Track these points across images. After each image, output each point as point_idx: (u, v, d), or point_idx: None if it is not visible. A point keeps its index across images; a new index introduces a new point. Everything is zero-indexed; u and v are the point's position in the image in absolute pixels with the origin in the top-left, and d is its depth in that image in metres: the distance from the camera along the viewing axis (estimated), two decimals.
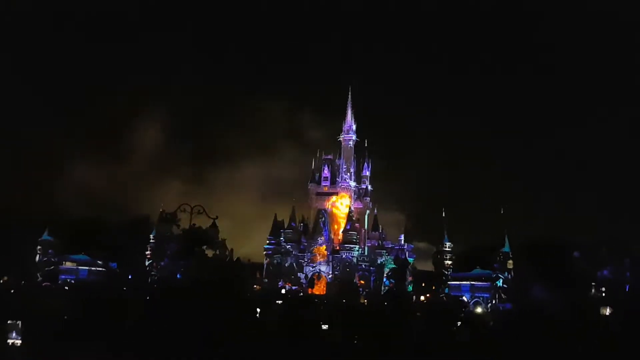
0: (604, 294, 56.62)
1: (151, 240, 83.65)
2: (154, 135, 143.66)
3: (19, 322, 37.16)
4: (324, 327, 46.71)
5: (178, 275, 66.40)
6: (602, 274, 59.00)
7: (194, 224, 44.50)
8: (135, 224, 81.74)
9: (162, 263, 75.35)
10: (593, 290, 57.21)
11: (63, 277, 70.29)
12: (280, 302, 64.34)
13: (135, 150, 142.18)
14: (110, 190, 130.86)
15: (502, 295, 76.02)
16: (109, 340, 31.07)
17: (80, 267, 74.91)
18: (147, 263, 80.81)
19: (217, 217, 39.78)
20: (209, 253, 78.96)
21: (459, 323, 49.10)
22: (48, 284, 62.58)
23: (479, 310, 74.84)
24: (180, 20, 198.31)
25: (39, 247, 78.01)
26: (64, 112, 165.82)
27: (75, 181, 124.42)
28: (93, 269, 73.92)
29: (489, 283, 79.47)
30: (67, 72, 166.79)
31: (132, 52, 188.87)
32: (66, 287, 60.59)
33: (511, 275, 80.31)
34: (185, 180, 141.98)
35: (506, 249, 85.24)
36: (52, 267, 71.07)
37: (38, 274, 67.15)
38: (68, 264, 75.79)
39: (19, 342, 36.82)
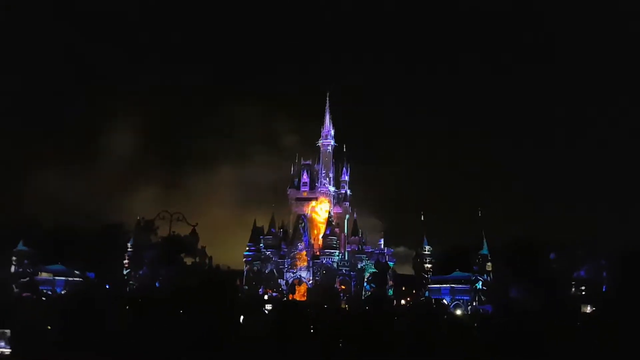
0: (583, 292, 57.70)
1: (129, 249, 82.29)
2: (127, 140, 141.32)
3: (8, 331, 36.21)
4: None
5: (157, 284, 65.58)
6: (578, 274, 60.13)
7: (174, 232, 44.06)
8: (112, 232, 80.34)
9: (141, 272, 74.32)
10: (573, 290, 58.25)
11: (40, 287, 68.56)
12: (269, 307, 64.03)
13: (109, 156, 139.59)
14: (84, 198, 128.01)
15: (482, 297, 76.82)
16: (96, 350, 30.60)
17: (57, 278, 73.20)
18: (125, 272, 79.47)
19: (196, 225, 39.39)
20: (188, 261, 78.38)
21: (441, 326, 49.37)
22: (28, 294, 60.96)
23: (458, 312, 75.57)
24: (156, 23, 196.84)
25: (13, 258, 75.93)
26: (33, 117, 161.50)
27: (47, 189, 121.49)
28: (70, 279, 72.30)
29: (468, 285, 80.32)
30: (36, 75, 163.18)
31: (106, 55, 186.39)
32: (43, 298, 59.13)
33: (490, 277, 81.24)
34: (161, 186, 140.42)
35: (484, 251, 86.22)
36: (28, 278, 69.22)
37: (13, 285, 65.29)
38: (44, 275, 74.02)
39: (7, 351, 36.02)
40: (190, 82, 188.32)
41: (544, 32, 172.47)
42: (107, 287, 62.71)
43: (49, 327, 38.07)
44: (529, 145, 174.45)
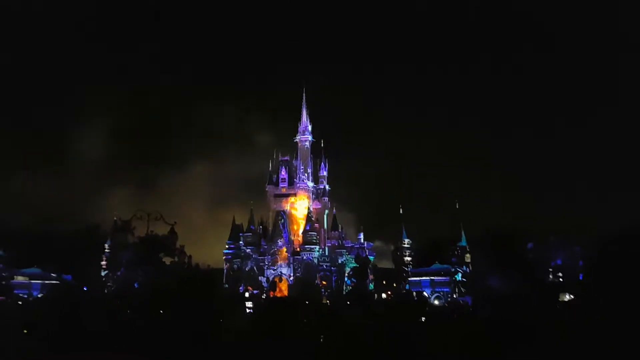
0: (561, 280, 58.84)
1: (106, 250, 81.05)
2: (99, 140, 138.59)
3: None
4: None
5: (136, 285, 64.64)
6: (555, 263, 61.23)
7: (151, 231, 43.40)
8: (88, 233, 78.92)
9: (119, 273, 73.13)
10: (551, 277, 59.33)
11: (16, 291, 67.14)
12: (249, 304, 63.71)
13: (81, 157, 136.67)
14: (57, 200, 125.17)
15: (462, 288, 77.84)
16: (76, 351, 30.06)
17: (33, 281, 71.72)
18: (102, 273, 78.23)
19: (175, 223, 38.89)
20: (167, 260, 77.40)
21: (423, 318, 49.88)
22: (3, 298, 59.65)
23: (437, 303, 76.52)
24: (129, 23, 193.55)
25: None
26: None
27: (18, 191, 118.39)
28: (47, 282, 70.90)
29: (448, 277, 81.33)
30: (4, 74, 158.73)
31: (77, 54, 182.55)
32: (19, 302, 57.87)
33: (469, 269, 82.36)
34: (136, 187, 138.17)
35: (463, 242, 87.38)
36: (3, 282, 67.67)
37: None
38: (20, 278, 72.45)
39: None
40: (164, 81, 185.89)
41: (537, 31, 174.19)
42: (85, 289, 61.65)
43: (25, 331, 37.18)
44: (506, 136, 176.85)
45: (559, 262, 60.02)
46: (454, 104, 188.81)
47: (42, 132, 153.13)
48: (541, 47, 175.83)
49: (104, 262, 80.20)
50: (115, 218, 76.94)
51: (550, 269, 59.30)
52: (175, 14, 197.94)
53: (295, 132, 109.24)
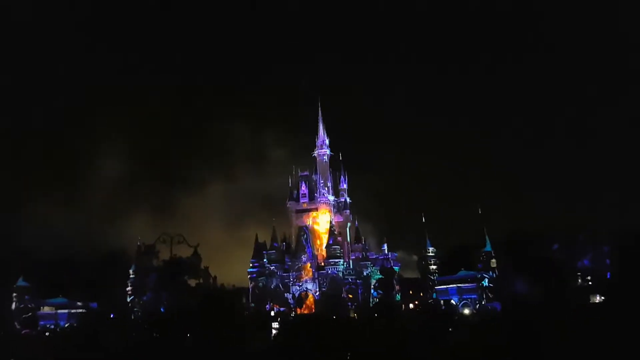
0: (589, 283, 57.26)
1: (131, 275, 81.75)
2: (115, 166, 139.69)
3: None
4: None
5: (162, 309, 65.03)
6: (582, 263, 59.74)
7: (175, 254, 43.64)
8: (111, 260, 79.77)
9: (145, 297, 73.74)
10: (580, 280, 57.80)
11: (42, 322, 67.99)
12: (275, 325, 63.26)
13: (99, 183, 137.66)
14: (78, 228, 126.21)
15: (489, 294, 76.30)
16: None
17: (59, 311, 72.54)
18: (128, 299, 78.90)
19: (198, 245, 39.04)
20: (192, 282, 77.73)
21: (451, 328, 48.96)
22: (27, 331, 60.30)
23: (466, 311, 75.03)
24: (143, 45, 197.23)
25: (14, 294, 75.31)
26: (14, 146, 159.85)
27: (40, 222, 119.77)
28: (72, 311, 71.63)
29: (474, 284, 79.80)
30: (16, 104, 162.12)
31: (90, 76, 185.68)
32: (47, 334, 58.56)
33: (495, 274, 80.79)
34: (155, 210, 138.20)
35: (487, 248, 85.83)
36: (30, 314, 68.58)
37: (15, 322, 64.63)
38: (46, 309, 73.32)
39: None
40: (177, 103, 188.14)
41: (541, 31, 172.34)
42: (112, 315, 62.15)
43: None
44: (526, 141, 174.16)
45: (586, 262, 58.50)
46: (469, 106, 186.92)
47: (55, 155, 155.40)
48: (542, 47, 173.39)
49: (129, 288, 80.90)
50: (139, 243, 78.20)
51: (579, 273, 57.76)
52: (193, 31, 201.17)
53: (312, 146, 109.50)
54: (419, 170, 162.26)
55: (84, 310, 69.73)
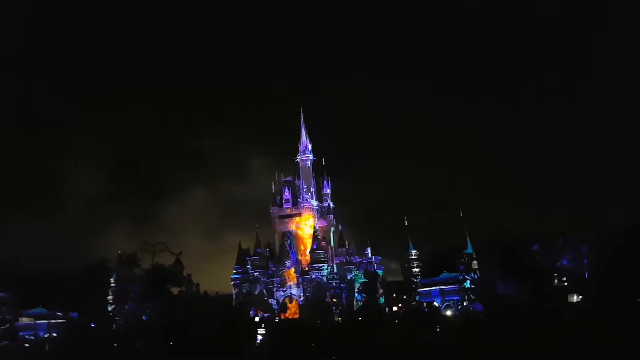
0: (565, 283, 58.31)
1: (112, 284, 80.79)
2: (95, 176, 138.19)
3: None
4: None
5: (144, 317, 64.46)
6: (561, 263, 60.78)
7: (157, 262, 43.47)
8: (91, 270, 78.82)
9: (127, 307, 72.95)
10: (556, 281, 58.82)
11: (22, 333, 66.79)
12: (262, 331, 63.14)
13: (79, 194, 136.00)
14: (57, 239, 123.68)
15: (471, 295, 77.11)
16: None
17: (38, 322, 71.35)
18: (110, 308, 77.97)
19: (180, 253, 38.95)
20: (175, 290, 77.11)
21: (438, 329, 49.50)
22: (6, 343, 59.26)
23: (448, 313, 75.76)
24: (126, 53, 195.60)
25: None
26: None
27: (17, 233, 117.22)
28: (52, 321, 70.53)
29: (457, 285, 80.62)
30: None
31: (70, 86, 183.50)
32: (26, 345, 57.69)
33: (477, 275, 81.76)
34: (136, 220, 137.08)
35: (469, 250, 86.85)
36: (8, 325, 67.40)
37: None
38: (25, 320, 72.04)
39: None
40: (156, 112, 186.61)
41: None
42: (92, 325, 61.45)
43: None
44: (503, 142, 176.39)
45: (564, 262, 59.58)
46: (457, 113, 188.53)
47: (34, 171, 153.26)
48: (543, 47, 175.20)
49: (110, 297, 79.92)
50: (120, 251, 77.42)
51: (555, 274, 58.80)
52: (171, 41, 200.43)
53: (295, 151, 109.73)
54: (402, 173, 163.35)
55: (64, 321, 68.77)
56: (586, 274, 55.29)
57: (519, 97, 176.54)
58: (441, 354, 39.64)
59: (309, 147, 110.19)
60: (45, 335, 64.48)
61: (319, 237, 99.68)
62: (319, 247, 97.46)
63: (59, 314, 70.66)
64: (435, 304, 77.75)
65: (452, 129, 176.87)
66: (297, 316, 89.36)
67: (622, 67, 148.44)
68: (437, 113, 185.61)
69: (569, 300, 53.22)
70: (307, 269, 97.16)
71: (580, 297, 52.63)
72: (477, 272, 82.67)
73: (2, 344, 58.41)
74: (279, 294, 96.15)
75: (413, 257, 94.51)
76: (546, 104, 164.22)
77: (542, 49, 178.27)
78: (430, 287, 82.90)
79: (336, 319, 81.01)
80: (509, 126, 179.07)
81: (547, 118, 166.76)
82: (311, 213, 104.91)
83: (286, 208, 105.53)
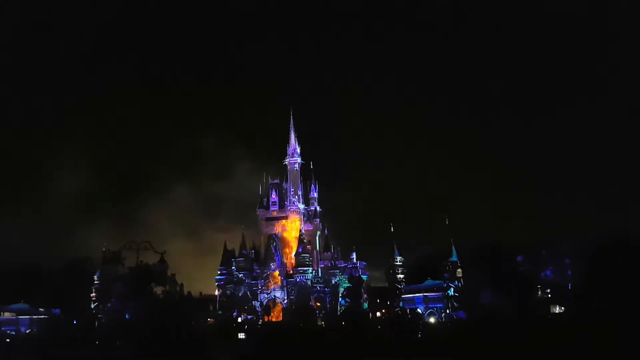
0: (549, 295, 58.94)
1: (95, 282, 79.97)
2: (79, 173, 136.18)
3: None
4: None
5: (127, 316, 64.00)
6: (545, 274, 61.46)
7: (141, 261, 43.26)
8: (75, 267, 77.93)
9: (109, 304, 72.33)
10: (539, 293, 59.46)
11: (3, 328, 65.99)
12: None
13: (62, 190, 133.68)
14: (40, 235, 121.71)
15: (455, 303, 77.65)
16: None
17: (20, 317, 70.47)
18: (92, 305, 77.21)
19: (165, 252, 38.76)
20: (158, 290, 76.70)
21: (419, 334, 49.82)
22: None
23: (432, 320, 76.19)
24: (112, 52, 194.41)
25: None
26: None
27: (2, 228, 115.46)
28: (34, 317, 69.73)
29: (440, 293, 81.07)
30: None
31: (57, 83, 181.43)
32: (7, 340, 57.00)
33: (461, 284, 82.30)
34: (121, 218, 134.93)
35: (454, 258, 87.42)
36: None
37: None
38: (7, 315, 71.14)
39: None
40: (143, 109, 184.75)
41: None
42: (75, 322, 60.88)
43: None
44: (500, 150, 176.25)
45: (548, 272, 60.30)
46: (446, 120, 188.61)
47: (16, 162, 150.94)
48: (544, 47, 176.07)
49: (93, 294, 79.05)
50: (104, 249, 76.75)
51: (539, 285, 59.46)
52: (165, 43, 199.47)
53: (283, 154, 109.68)
54: (390, 180, 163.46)
55: (46, 317, 68.01)
56: (569, 285, 56.01)
57: (520, 100, 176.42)
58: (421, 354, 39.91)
59: (298, 150, 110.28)
60: (27, 331, 63.67)
61: (305, 241, 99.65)
62: (305, 251, 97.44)
63: (42, 310, 69.84)
64: (419, 310, 78.10)
65: (449, 129, 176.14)
66: (280, 319, 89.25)
67: (624, 68, 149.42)
68: (436, 113, 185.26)
69: (552, 311, 53.81)
70: (291, 272, 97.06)
71: (562, 308, 53.28)
72: (462, 280, 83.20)
73: None
74: (263, 297, 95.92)
75: (398, 263, 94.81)
76: (551, 115, 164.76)
77: (542, 48, 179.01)
78: (414, 293, 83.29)
79: (319, 323, 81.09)
80: (508, 129, 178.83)
81: (550, 123, 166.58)
82: (298, 216, 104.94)
83: (273, 210, 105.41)
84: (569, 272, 57.04)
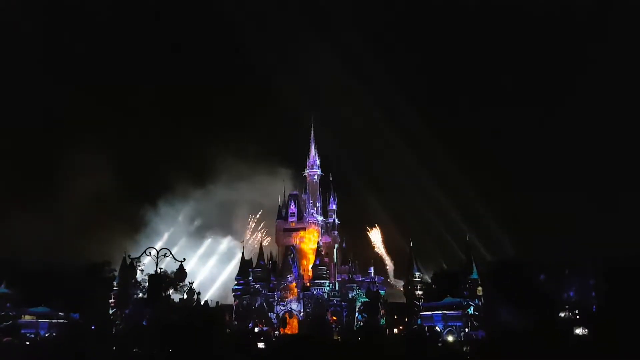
0: (577, 316, 57.47)
1: (114, 287, 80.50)
2: (99, 176, 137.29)
3: None
4: None
5: (144, 322, 64.19)
6: (568, 295, 60.13)
7: (160, 268, 43.30)
8: (94, 271, 78.64)
9: (127, 310, 72.73)
10: (565, 314, 58.08)
11: (23, 331, 66.62)
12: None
13: (82, 193, 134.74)
14: (60, 238, 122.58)
15: (474, 322, 76.13)
16: None
17: (40, 320, 71.15)
18: (110, 311, 77.70)
19: (184, 260, 38.88)
20: (176, 298, 76.89)
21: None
22: (9, 339, 59.13)
23: (450, 339, 74.73)
24: (132, 54, 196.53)
25: None
26: None
27: (24, 230, 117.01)
28: (54, 321, 70.38)
29: (460, 311, 79.46)
30: None
31: (75, 81, 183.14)
32: (27, 343, 57.52)
33: (481, 302, 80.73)
34: (137, 224, 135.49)
35: (474, 275, 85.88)
36: (10, 322, 67.28)
37: None
38: (27, 318, 71.88)
39: None
40: (162, 115, 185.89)
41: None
42: (93, 327, 61.25)
43: None
44: (508, 166, 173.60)
45: (571, 294, 58.93)
46: (464, 134, 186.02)
47: (36, 163, 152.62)
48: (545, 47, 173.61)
49: (112, 300, 79.49)
50: (124, 255, 77.24)
51: (567, 306, 58.05)
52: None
53: (303, 165, 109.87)
54: (409, 195, 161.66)
55: (65, 321, 68.57)
56: (594, 307, 54.61)
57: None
58: None
59: (318, 162, 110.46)
60: (46, 335, 64.16)
61: (322, 253, 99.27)
62: (322, 263, 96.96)
63: (61, 314, 70.44)
64: (437, 328, 76.76)
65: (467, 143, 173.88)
66: (296, 331, 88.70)
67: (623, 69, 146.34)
68: (450, 120, 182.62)
69: (575, 333, 52.38)
70: (308, 284, 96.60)
71: (586, 330, 51.84)
72: (482, 298, 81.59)
73: (4, 340, 58.21)
74: (279, 308, 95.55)
75: (417, 279, 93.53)
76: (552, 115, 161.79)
77: (542, 49, 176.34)
78: (433, 311, 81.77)
79: (335, 337, 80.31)
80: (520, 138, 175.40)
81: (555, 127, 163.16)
82: (316, 228, 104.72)
83: (291, 221, 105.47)
84: (593, 293, 55.69)
